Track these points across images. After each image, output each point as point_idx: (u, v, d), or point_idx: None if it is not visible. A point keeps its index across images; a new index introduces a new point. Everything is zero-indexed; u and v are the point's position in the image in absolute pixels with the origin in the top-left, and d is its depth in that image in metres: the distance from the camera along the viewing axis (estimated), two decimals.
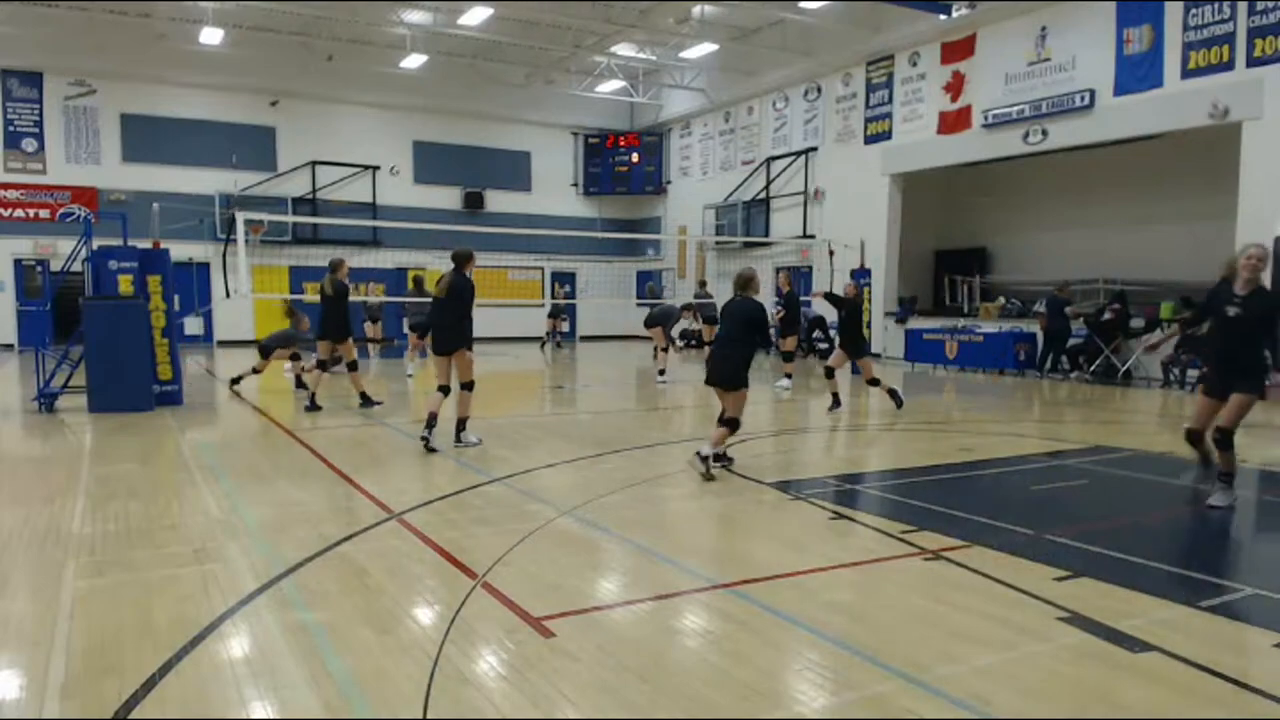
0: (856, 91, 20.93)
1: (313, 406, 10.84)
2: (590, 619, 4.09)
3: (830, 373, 11.42)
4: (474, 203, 26.93)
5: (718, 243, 25.19)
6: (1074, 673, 3.45)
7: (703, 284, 21.87)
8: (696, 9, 19.28)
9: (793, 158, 22.73)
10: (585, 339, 28.37)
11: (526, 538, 5.36)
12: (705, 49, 21.71)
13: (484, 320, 24.73)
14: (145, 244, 11.60)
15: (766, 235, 23.48)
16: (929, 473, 7.48)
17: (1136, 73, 15.39)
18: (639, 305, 23.54)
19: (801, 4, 18.52)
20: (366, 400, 11.05)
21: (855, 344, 11.27)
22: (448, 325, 8.38)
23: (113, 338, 10.49)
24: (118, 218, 12.01)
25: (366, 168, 25.42)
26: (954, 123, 18.63)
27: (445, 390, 8.41)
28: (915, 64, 19.42)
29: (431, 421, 8.19)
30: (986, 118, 17.76)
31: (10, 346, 21.32)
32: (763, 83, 23.32)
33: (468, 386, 8.43)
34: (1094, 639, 3.74)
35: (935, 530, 5.46)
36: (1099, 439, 9.16)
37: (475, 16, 19.27)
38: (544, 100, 26.52)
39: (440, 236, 23.66)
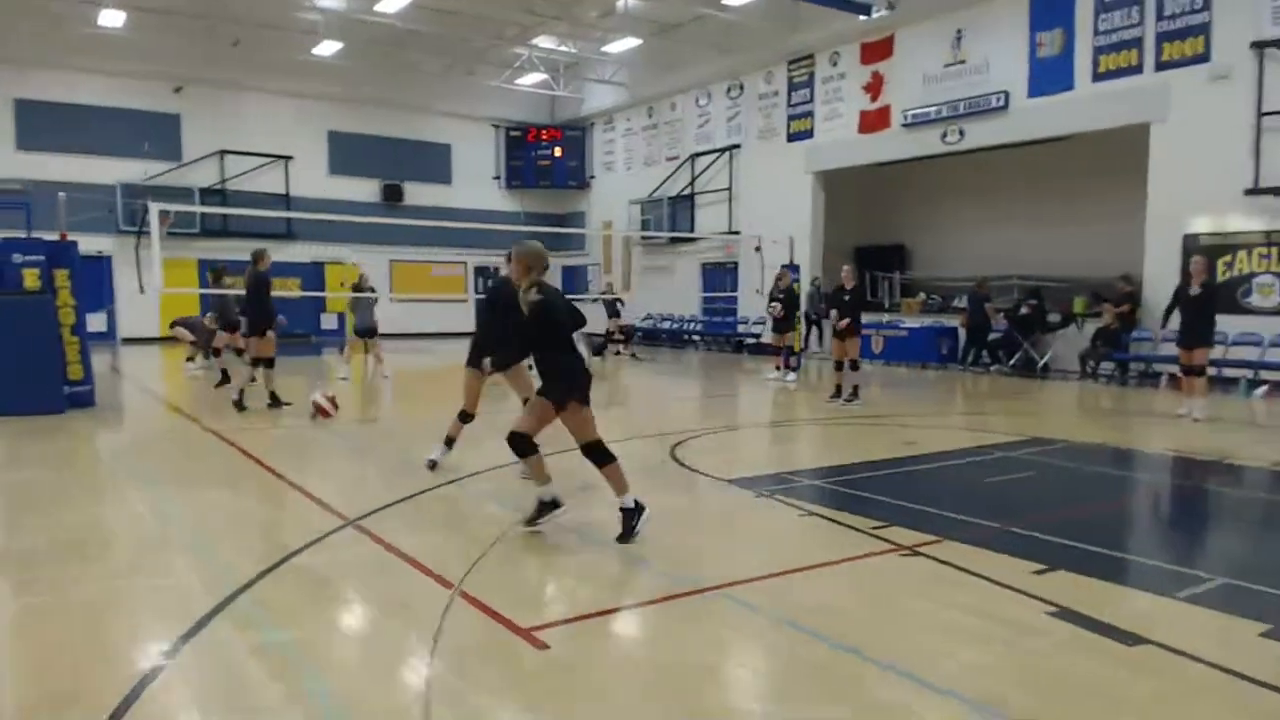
0: (778, 89, 21.14)
1: (275, 404, 10.49)
2: (580, 628, 3.95)
3: (839, 365, 11.85)
4: (393, 195, 26.23)
5: (644, 238, 25.13)
6: (1077, 668, 3.47)
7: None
8: (620, 2, 19.12)
9: (717, 154, 22.83)
10: None
11: (494, 543, 5.16)
12: (628, 43, 21.57)
13: (405, 315, 24.34)
14: (48, 236, 10.83)
15: (692, 231, 23.53)
16: (880, 467, 7.55)
17: (1049, 75, 15.94)
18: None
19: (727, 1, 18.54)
20: (275, 400, 10.55)
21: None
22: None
23: (17, 335, 9.77)
24: (19, 207, 11.17)
25: (279, 158, 24.47)
26: (874, 122, 18.99)
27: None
28: (835, 64, 19.71)
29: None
30: (906, 117, 18.15)
31: None
32: (685, 78, 23.34)
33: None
34: (1087, 633, 3.78)
35: (904, 526, 5.48)
36: (1033, 431, 9.42)
37: (393, 4, 18.68)
38: (464, 92, 26.00)
39: (358, 229, 23.03)
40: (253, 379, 10.77)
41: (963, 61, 17.22)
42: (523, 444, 5.14)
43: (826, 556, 4.97)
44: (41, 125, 21.41)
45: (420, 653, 3.61)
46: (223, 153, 23.68)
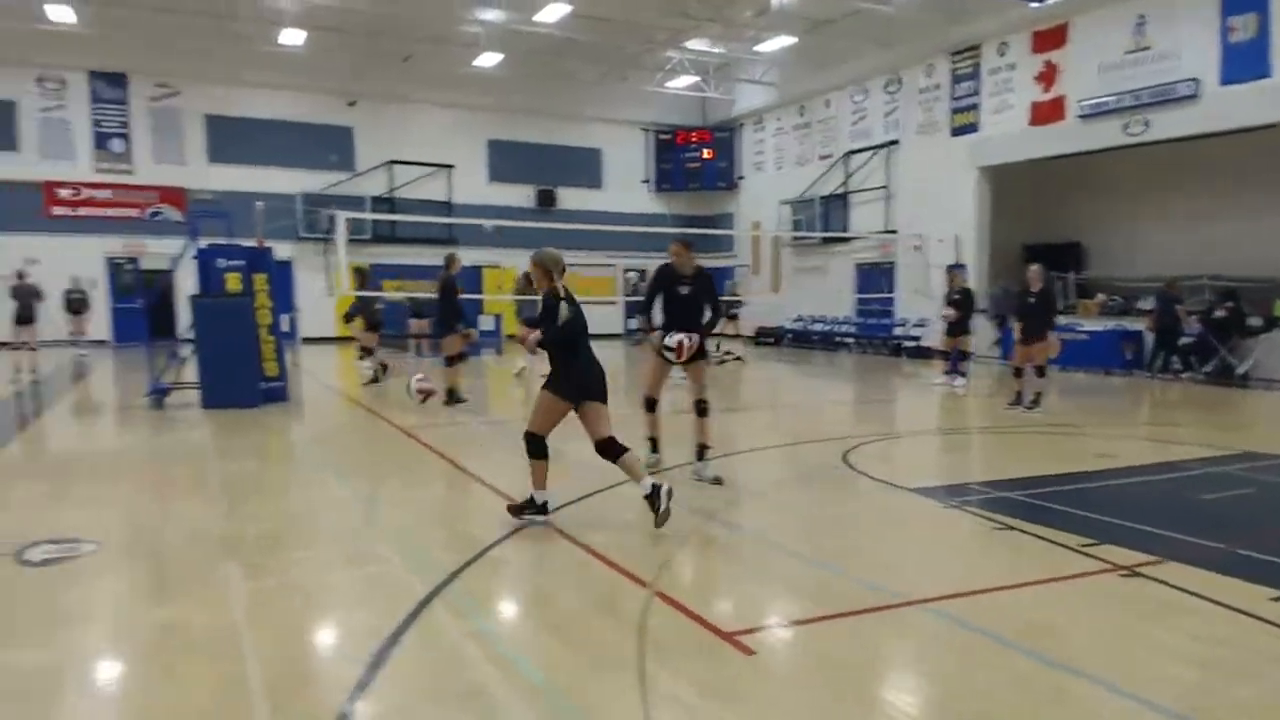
0: (940, 83, 20.36)
1: (451, 400, 10.93)
2: (785, 636, 3.87)
3: (1019, 371, 11.25)
4: (546, 200, 26.89)
5: (794, 239, 24.77)
6: None
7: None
8: (775, 0, 18.89)
9: (872, 151, 22.22)
10: None
11: (683, 544, 5.15)
12: (781, 42, 21.27)
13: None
14: (240, 243, 11.66)
15: (845, 230, 23.00)
16: (1074, 480, 7.08)
17: (1243, 62, 14.66)
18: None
19: None
20: (452, 397, 10.96)
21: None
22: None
23: (222, 335, 10.56)
24: (221, 216, 12.07)
25: (442, 166, 25.53)
26: (1047, 113, 17.98)
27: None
28: (1003, 54, 18.79)
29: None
30: (1082, 108, 17.09)
31: (104, 342, 21.76)
32: (839, 75, 22.84)
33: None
34: None
35: (1117, 544, 5.10)
36: (1243, 444, 8.65)
37: (553, 13, 19.11)
38: (615, 97, 26.36)
39: (513, 234, 23.74)
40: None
41: (1146, 48, 16.05)
42: (536, 445, 5.42)
43: (1034, 574, 4.69)
44: (229, 139, 23.11)
45: (628, 650, 3.62)
46: (391, 163, 24.90)
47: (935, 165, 20.39)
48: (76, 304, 18.87)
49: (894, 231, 21.60)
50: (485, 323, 26.70)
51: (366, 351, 14.00)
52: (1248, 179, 16.50)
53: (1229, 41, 14.74)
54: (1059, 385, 14.46)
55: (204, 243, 11.44)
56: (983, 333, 18.94)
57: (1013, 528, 5.55)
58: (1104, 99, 16.65)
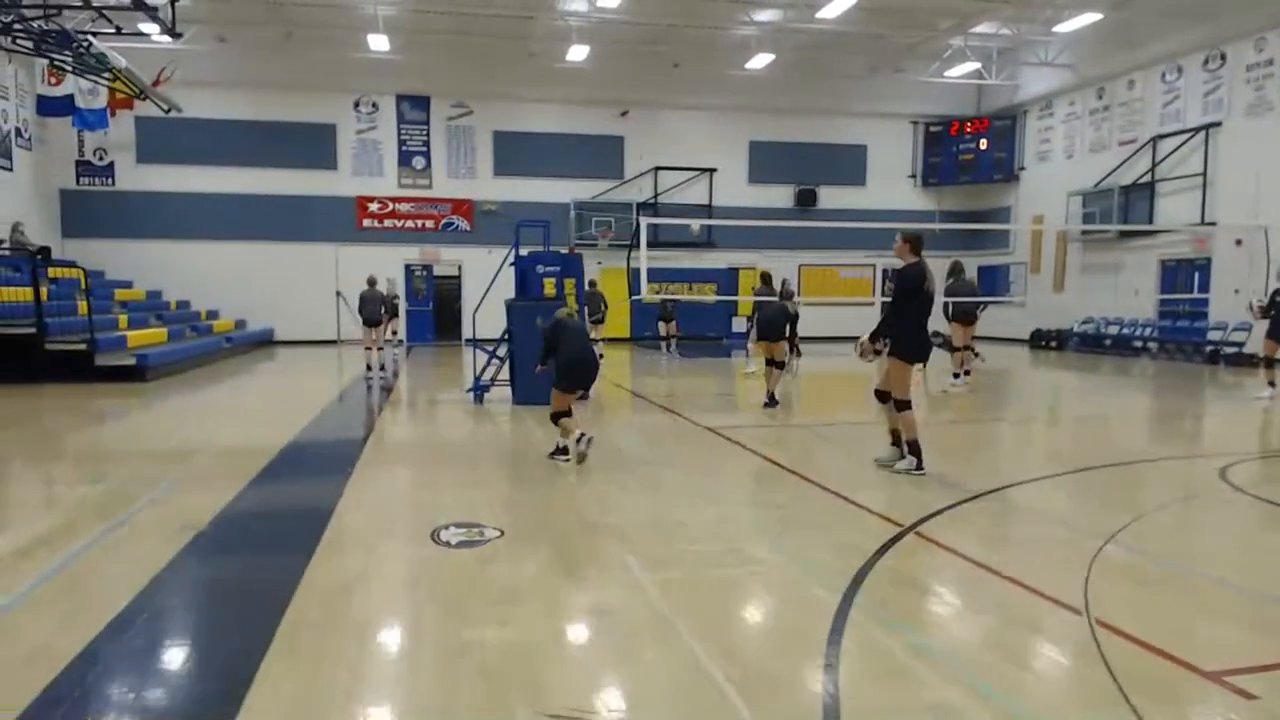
0: (1274, 58, 17.89)
1: (770, 403, 11.10)
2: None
3: None
4: (806, 200, 26.50)
5: (1084, 233, 22.79)
6: None
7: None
8: None
9: (1188, 135, 19.95)
10: None
11: (1088, 566, 4.70)
12: (1085, 19, 19.57)
13: (815, 318, 24.29)
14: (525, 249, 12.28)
15: (1150, 222, 20.83)
16: None
17: None
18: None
19: None
20: (771, 400, 10.98)
21: None
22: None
23: (536, 335, 11.12)
24: (540, 225, 12.72)
25: (704, 170, 25.86)
26: None
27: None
28: None
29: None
30: None
31: (401, 342, 23.95)
32: (1148, 53, 20.72)
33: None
34: None
35: None
36: None
37: (835, 9, 18.70)
38: (882, 90, 25.50)
39: (772, 234, 23.60)
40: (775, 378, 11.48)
41: None
42: (557, 417, 7.58)
43: None
44: (512, 152, 24.68)
45: (1097, 682, 3.29)
46: (656, 169, 25.55)
47: (1267, 149, 17.96)
48: (393, 307, 20.79)
49: (1213, 224, 19.27)
50: (738, 324, 26.83)
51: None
52: None
53: None
54: None
55: (524, 250, 12.08)
56: None
57: None
58: None
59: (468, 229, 24.47)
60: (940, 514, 5.85)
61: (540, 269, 11.59)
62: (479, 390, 11.78)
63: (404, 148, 24.08)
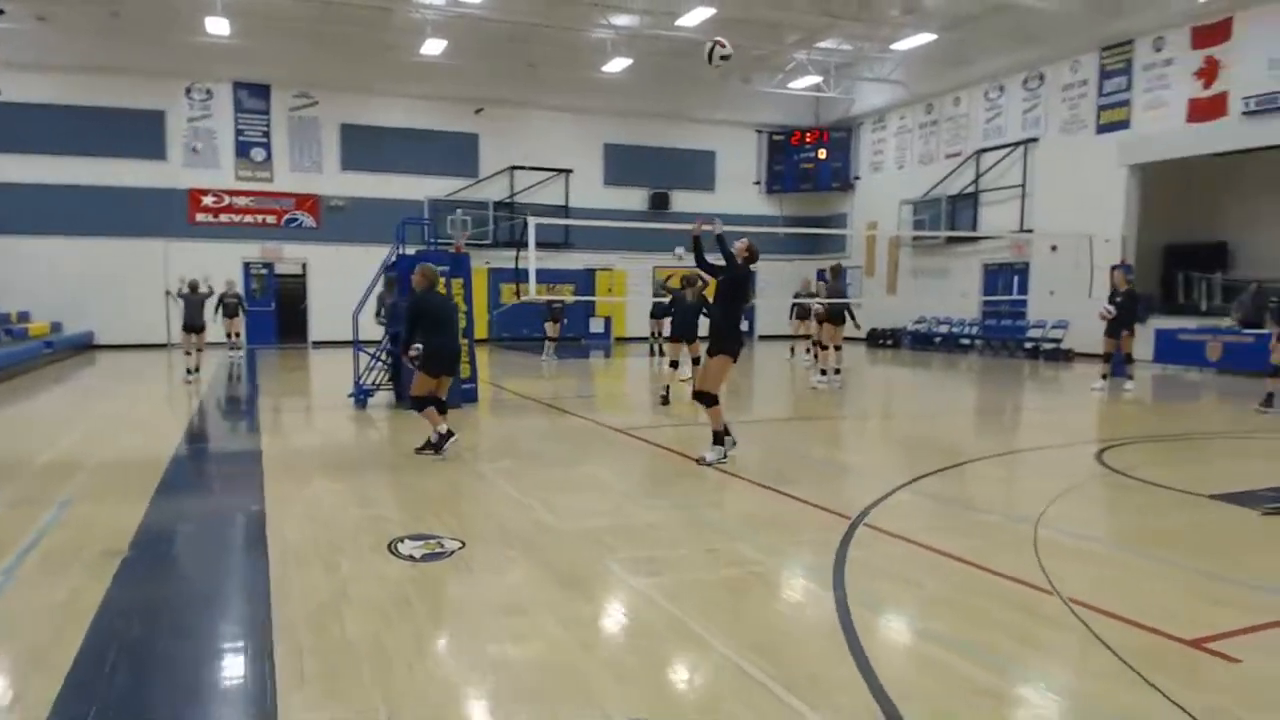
0: (1087, 79, 19.88)
1: (665, 400, 11.39)
2: (1256, 643, 3.75)
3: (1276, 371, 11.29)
4: (660, 203, 26.98)
5: (915, 239, 24.44)
6: None
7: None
8: None
9: (1009, 149, 21.81)
10: (762, 339, 27.92)
11: (1034, 549, 5.09)
12: (922, 39, 21.01)
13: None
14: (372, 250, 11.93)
15: (974, 230, 22.61)
16: None
17: None
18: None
19: None
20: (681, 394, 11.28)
21: None
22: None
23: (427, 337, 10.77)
24: (423, 223, 12.29)
25: (560, 171, 25.81)
26: (1206, 110, 17.44)
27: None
28: (1159, 49, 18.28)
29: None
30: (1248, 104, 16.52)
31: (241, 346, 22.48)
32: (974, 72, 22.47)
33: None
34: None
35: None
36: None
37: (696, 17, 19.16)
38: (729, 99, 26.33)
39: (628, 236, 23.85)
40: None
41: None
42: (421, 404, 7.82)
43: None
44: (361, 147, 23.70)
45: (1105, 663, 3.57)
46: (513, 168, 25.27)
47: (1079, 163, 19.92)
48: (232, 308, 19.48)
49: (1030, 231, 21.16)
50: (595, 325, 26.99)
51: None
52: None
53: None
54: (1228, 389, 14.03)
55: (411, 249, 11.65)
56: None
57: None
58: (1273, 94, 16.08)
59: (314, 226, 23.30)
60: (876, 506, 6.15)
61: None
62: (362, 395, 11.26)
63: (242, 138, 22.61)
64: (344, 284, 22.45)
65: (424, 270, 8.08)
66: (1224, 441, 9.42)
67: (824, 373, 14.09)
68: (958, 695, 3.34)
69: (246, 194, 22.84)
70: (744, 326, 7.81)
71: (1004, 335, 22.10)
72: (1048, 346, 20.39)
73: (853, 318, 14.78)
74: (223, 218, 22.65)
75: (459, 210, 23.90)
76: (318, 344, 23.07)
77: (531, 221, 12.47)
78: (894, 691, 3.28)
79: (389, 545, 5.12)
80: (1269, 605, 4.18)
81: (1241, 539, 5.53)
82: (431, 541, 5.22)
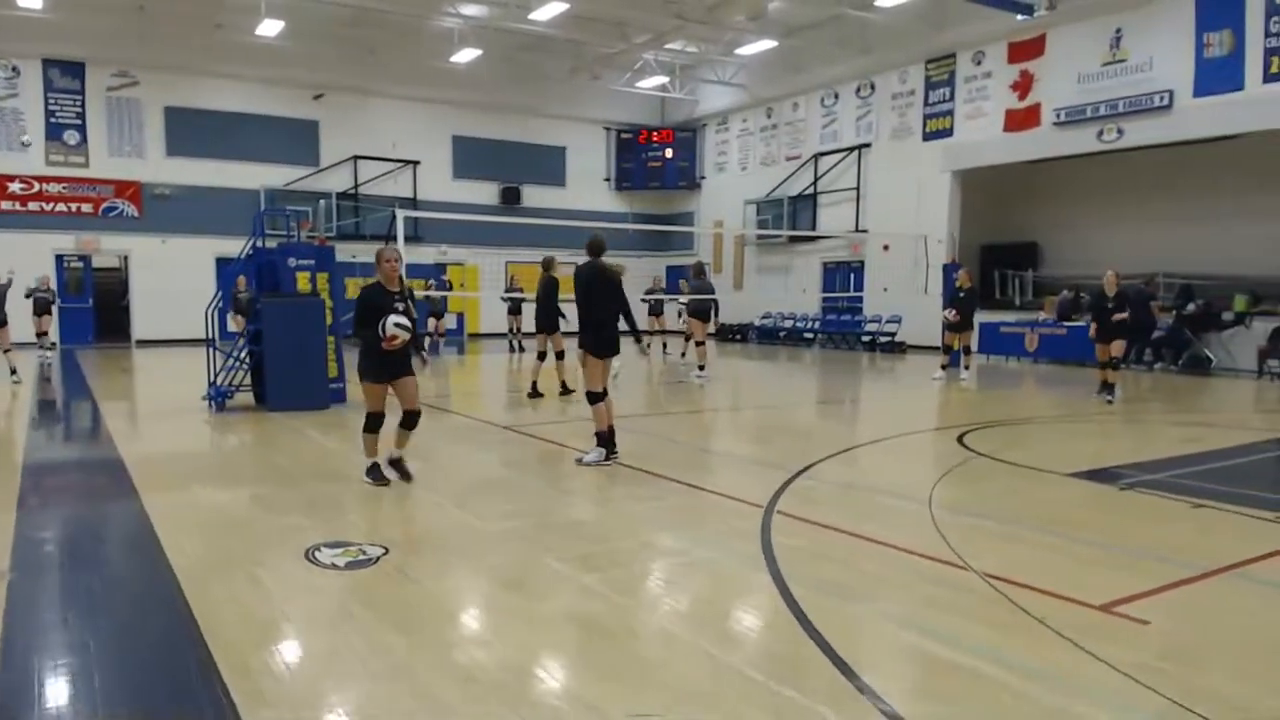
0: (914, 89, 21.29)
1: (534, 394, 11.19)
2: (1159, 605, 4.16)
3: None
4: (511, 198, 26.71)
5: (759, 238, 25.39)
6: None
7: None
8: (774, 4, 19.40)
9: (844, 154, 23.03)
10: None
11: (936, 527, 5.47)
12: (763, 45, 21.85)
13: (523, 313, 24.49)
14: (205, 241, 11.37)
15: (814, 229, 23.74)
16: (1201, 461, 7.73)
17: (1217, 75, 15.96)
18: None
19: (878, 2, 18.71)
20: (566, 389, 11.17)
21: None
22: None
23: (296, 336, 10.26)
24: (300, 215, 11.64)
25: (407, 162, 25.06)
26: (1022, 120, 19.08)
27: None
28: (979, 62, 19.84)
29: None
30: (1059, 115, 18.21)
31: (54, 345, 20.50)
32: (811, 79, 23.57)
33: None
34: None
35: None
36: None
37: (548, 11, 19.09)
38: (579, 95, 26.42)
39: (479, 231, 23.49)
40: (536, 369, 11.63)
41: (1122, 60, 17.27)
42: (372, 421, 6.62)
43: (1276, 544, 5.19)
44: (189, 132, 22.12)
45: (1041, 637, 3.88)
46: (356, 158, 24.30)
47: (908, 168, 21.31)
48: (43, 304, 17.73)
49: (865, 231, 22.45)
50: (448, 321, 26.41)
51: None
52: (1212, 184, 17.84)
53: (1204, 56, 16.01)
54: (1048, 376, 15.46)
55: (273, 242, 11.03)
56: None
57: (1206, 506, 6.08)
58: (1080, 107, 17.80)
59: (136, 215, 21.55)
60: (781, 493, 6.40)
61: (293, 262, 10.64)
62: (219, 396, 10.56)
63: (53, 120, 20.59)
64: (172, 278, 21.08)
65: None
66: (1064, 425, 10.38)
67: (701, 368, 14.40)
68: (919, 666, 3.57)
69: (59, 180, 20.83)
70: (619, 325, 7.55)
71: (843, 329, 23.36)
72: (884, 340, 21.71)
73: (716, 314, 15.20)
74: (31, 206, 20.54)
75: (322, 201, 22.81)
76: (143, 343, 21.37)
77: (400, 214, 12.06)
78: (859, 666, 3.46)
79: (306, 554, 4.87)
80: (1157, 571, 4.68)
81: (1111, 512, 6.15)
82: (352, 549, 5.00)
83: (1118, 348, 11.88)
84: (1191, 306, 16.35)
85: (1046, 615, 3.99)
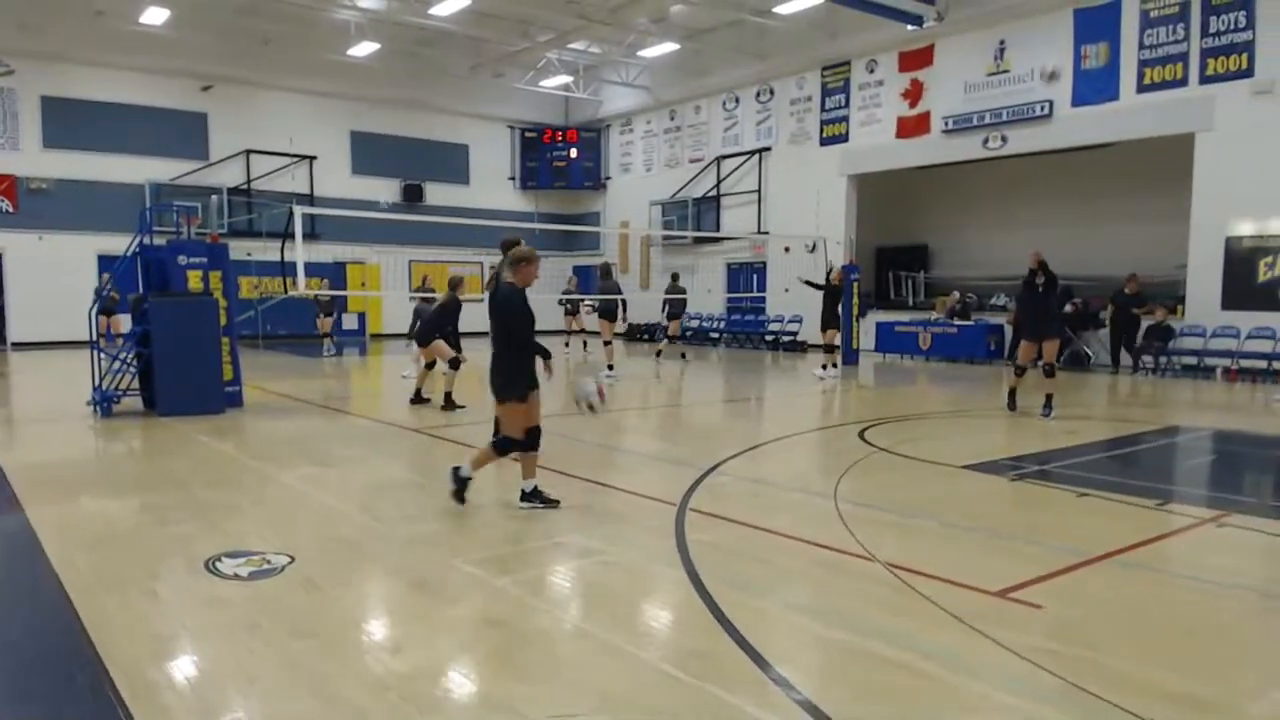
0: (811, 95, 21.84)
1: (448, 405, 10.74)
2: (1051, 590, 4.39)
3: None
4: (413, 195, 26.22)
5: (665, 238, 25.62)
6: None
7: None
8: (676, 7, 19.59)
9: (745, 157, 23.44)
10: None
11: (842, 520, 5.64)
12: (665, 48, 22.05)
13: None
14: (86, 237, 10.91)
15: (718, 230, 24.09)
16: (1079, 453, 8.19)
17: (1094, 86, 16.92)
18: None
19: (776, 9, 19.12)
20: (450, 403, 10.83)
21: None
22: None
23: (186, 337, 9.85)
24: (188, 211, 11.13)
25: (303, 157, 24.30)
26: (913, 127, 19.81)
27: None
28: (873, 70, 20.49)
29: None
30: (947, 123, 18.99)
31: None
32: (712, 83, 23.91)
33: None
34: None
35: (1179, 502, 6.16)
36: (1164, 420, 10.23)
37: (449, 7, 18.82)
38: (482, 93, 26.16)
39: (380, 228, 22.99)
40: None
41: (1006, 71, 18.13)
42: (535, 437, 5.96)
43: (1150, 532, 5.53)
44: (69, 123, 20.95)
45: (941, 617, 4.06)
46: (248, 152, 23.45)
47: (806, 172, 21.84)
48: None
49: (766, 233, 22.90)
50: (348, 322, 25.75)
51: None
52: (1089, 189, 18.90)
53: (1081, 68, 16.94)
54: (941, 373, 16.09)
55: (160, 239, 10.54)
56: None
57: (1090, 494, 6.46)
58: (967, 115, 18.60)
59: (10, 210, 20.28)
60: (693, 491, 6.49)
61: (183, 260, 10.20)
62: (105, 401, 10.03)
63: None
64: (51, 277, 19.94)
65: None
66: (957, 420, 10.83)
67: (610, 368, 14.40)
68: (828, 654, 3.69)
69: None
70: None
71: (747, 329, 23.78)
72: (785, 339, 22.20)
73: (624, 314, 15.26)
74: None
75: (214, 197, 21.90)
76: (19, 345, 20.13)
77: (298, 211, 11.69)
78: (774, 658, 3.55)
79: (206, 565, 4.70)
80: (1047, 558, 4.93)
81: (1003, 502, 6.47)
82: (255, 558, 4.84)
83: (1050, 350, 9.76)
84: (1069, 307, 17.25)
85: (945, 601, 4.17)
